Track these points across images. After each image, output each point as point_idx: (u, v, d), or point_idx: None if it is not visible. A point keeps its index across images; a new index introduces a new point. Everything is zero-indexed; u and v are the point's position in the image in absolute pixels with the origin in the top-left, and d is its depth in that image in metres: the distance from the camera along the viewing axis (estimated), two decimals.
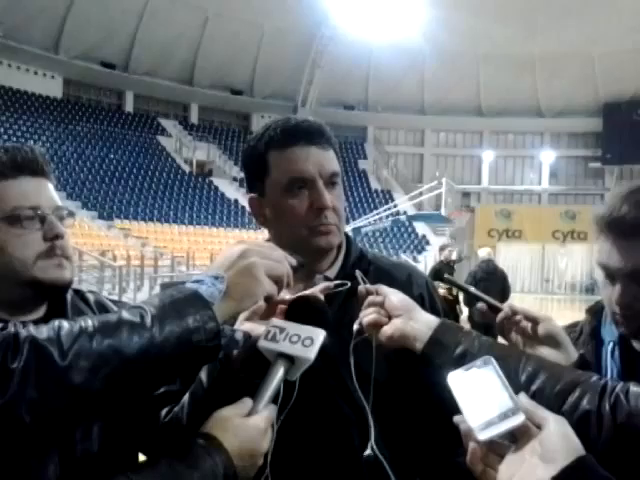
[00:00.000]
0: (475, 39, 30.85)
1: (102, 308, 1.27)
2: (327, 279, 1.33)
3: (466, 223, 28.57)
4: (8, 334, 0.88)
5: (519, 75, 33.52)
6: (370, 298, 1.19)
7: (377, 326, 1.16)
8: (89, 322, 0.92)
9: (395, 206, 29.80)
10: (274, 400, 1.05)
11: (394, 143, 37.76)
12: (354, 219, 26.70)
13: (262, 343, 1.02)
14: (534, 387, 0.97)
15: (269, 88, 33.88)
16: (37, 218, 1.13)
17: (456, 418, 0.87)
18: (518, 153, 38.08)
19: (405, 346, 1.14)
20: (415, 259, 22.45)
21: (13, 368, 0.84)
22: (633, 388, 0.99)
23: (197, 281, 0.98)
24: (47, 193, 1.17)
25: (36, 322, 1.11)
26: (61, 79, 28.94)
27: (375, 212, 28.32)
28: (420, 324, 1.14)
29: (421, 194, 29.99)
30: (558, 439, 0.79)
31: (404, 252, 24.69)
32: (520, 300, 17.16)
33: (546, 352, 1.19)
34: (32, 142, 24.11)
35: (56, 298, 1.19)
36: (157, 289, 13.75)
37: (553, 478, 0.76)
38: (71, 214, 1.21)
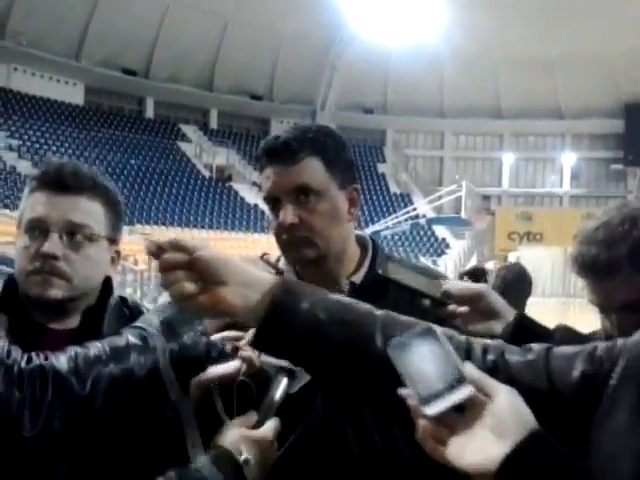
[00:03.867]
0: (494, 41, 30.70)
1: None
2: (352, 284, 1.34)
3: (486, 226, 28.41)
4: (36, 368, 0.93)
5: (539, 77, 33.28)
6: (166, 257, 0.87)
7: (190, 298, 0.87)
8: (101, 348, 0.97)
9: (414, 209, 29.73)
10: (286, 412, 1.07)
11: (413, 146, 37.68)
12: (373, 223, 26.68)
13: (264, 358, 1.06)
14: None
15: (288, 93, 34.02)
16: (41, 232, 1.14)
17: (401, 392, 0.79)
18: (539, 155, 37.79)
19: (235, 318, 0.94)
20: (435, 262, 22.36)
21: (42, 402, 0.90)
22: (489, 343, 0.96)
23: None
24: (62, 209, 1.15)
25: (71, 332, 1.16)
26: (83, 86, 29.33)
27: (394, 216, 28.29)
28: (252, 290, 0.88)
29: (440, 197, 29.89)
30: (509, 411, 0.76)
31: (423, 256, 24.60)
32: (542, 304, 16.99)
33: (492, 324, 1.23)
34: (55, 149, 24.47)
35: (94, 307, 1.21)
36: None
37: (507, 456, 0.72)
38: (92, 237, 1.18)
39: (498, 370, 0.90)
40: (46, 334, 1.13)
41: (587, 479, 0.74)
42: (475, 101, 34.82)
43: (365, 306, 0.91)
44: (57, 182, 1.17)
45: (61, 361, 0.94)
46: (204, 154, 30.68)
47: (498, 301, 1.26)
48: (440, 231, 28.81)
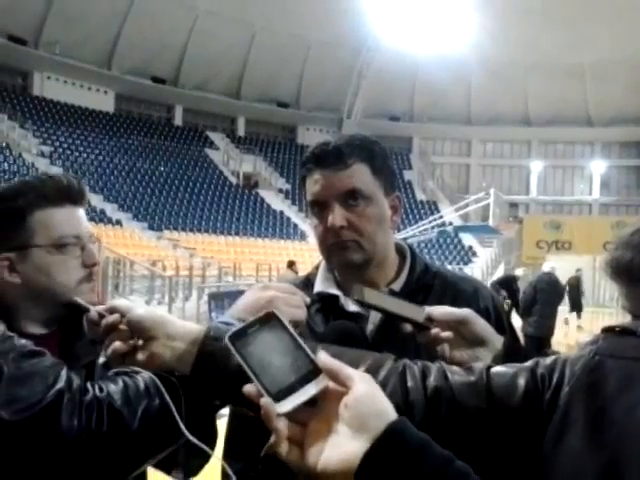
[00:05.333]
0: (523, 47, 30.48)
1: None
2: (392, 292, 1.34)
3: (514, 234, 28.11)
4: (93, 400, 0.97)
5: (568, 83, 32.94)
6: (105, 321, 1.01)
7: (126, 355, 0.99)
8: (149, 380, 1.01)
9: (441, 217, 29.56)
10: None
11: (440, 154, 37.52)
12: (399, 230, 26.58)
13: None
14: None
15: (315, 100, 34.15)
16: (78, 246, 1.22)
17: (246, 389, 0.73)
18: (567, 163, 37.34)
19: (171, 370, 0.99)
20: (461, 271, 22.18)
21: (98, 434, 0.95)
22: (429, 366, 0.96)
23: (226, 323, 1.03)
24: (85, 222, 1.26)
25: (53, 334, 1.22)
26: (113, 94, 29.83)
27: (420, 223, 28.16)
28: (179, 341, 0.97)
29: (467, 205, 29.67)
30: (365, 402, 0.70)
31: (450, 264, 24.43)
32: (571, 312, 16.76)
33: (477, 352, 1.15)
34: (85, 155, 24.89)
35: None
36: (205, 299, 13.96)
37: (365, 454, 0.68)
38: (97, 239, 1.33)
39: (440, 395, 0.90)
40: (35, 340, 1.16)
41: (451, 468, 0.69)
42: (503, 108, 34.58)
43: None
44: (75, 195, 1.25)
45: (114, 393, 0.98)
46: (231, 161, 30.94)
47: (484, 327, 1.18)
48: (467, 239, 28.59)
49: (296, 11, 28.63)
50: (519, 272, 12.82)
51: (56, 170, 22.36)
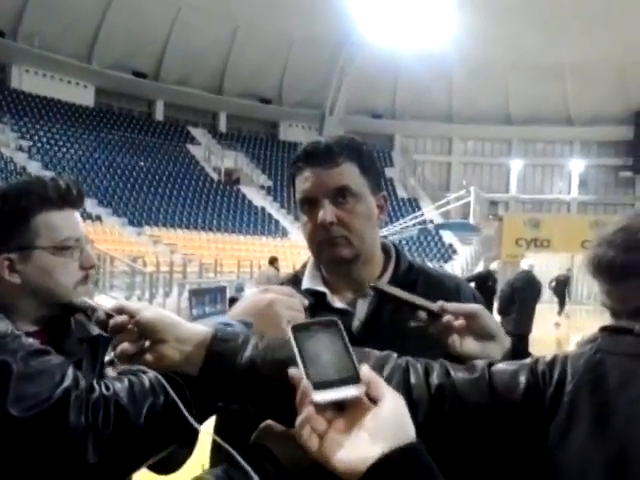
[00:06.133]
0: (504, 47, 30.72)
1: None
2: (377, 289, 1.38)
3: (494, 232, 28.37)
4: (99, 398, 0.98)
5: (549, 83, 33.27)
6: (113, 322, 1.02)
7: (135, 356, 1.00)
8: (154, 379, 1.02)
9: (422, 215, 29.74)
10: None
11: (421, 151, 37.72)
12: (380, 227, 26.69)
13: None
14: None
15: (297, 96, 34.14)
16: (78, 249, 1.25)
17: (291, 371, 0.79)
18: (547, 162, 37.73)
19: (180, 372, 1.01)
20: (442, 268, 22.35)
21: (105, 431, 0.96)
22: (432, 363, 0.99)
23: (227, 324, 1.06)
24: (82, 226, 1.29)
25: (40, 332, 1.22)
26: (93, 88, 29.56)
27: (402, 220, 28.31)
28: (188, 344, 0.98)
29: (448, 203, 29.88)
30: (391, 418, 0.76)
31: (430, 261, 24.59)
32: (549, 310, 17.00)
33: (487, 346, 1.18)
34: (65, 150, 24.64)
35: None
36: (185, 295, 13.93)
37: (378, 459, 0.73)
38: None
39: (443, 392, 0.93)
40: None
41: None
42: (484, 107, 34.84)
43: None
44: (74, 200, 1.26)
45: (120, 391, 1.00)
46: (213, 157, 30.82)
47: (494, 323, 1.22)
48: (447, 236, 28.80)
49: (279, 6, 28.57)
50: (493, 266, 12.86)
51: (35, 165, 22.11)
